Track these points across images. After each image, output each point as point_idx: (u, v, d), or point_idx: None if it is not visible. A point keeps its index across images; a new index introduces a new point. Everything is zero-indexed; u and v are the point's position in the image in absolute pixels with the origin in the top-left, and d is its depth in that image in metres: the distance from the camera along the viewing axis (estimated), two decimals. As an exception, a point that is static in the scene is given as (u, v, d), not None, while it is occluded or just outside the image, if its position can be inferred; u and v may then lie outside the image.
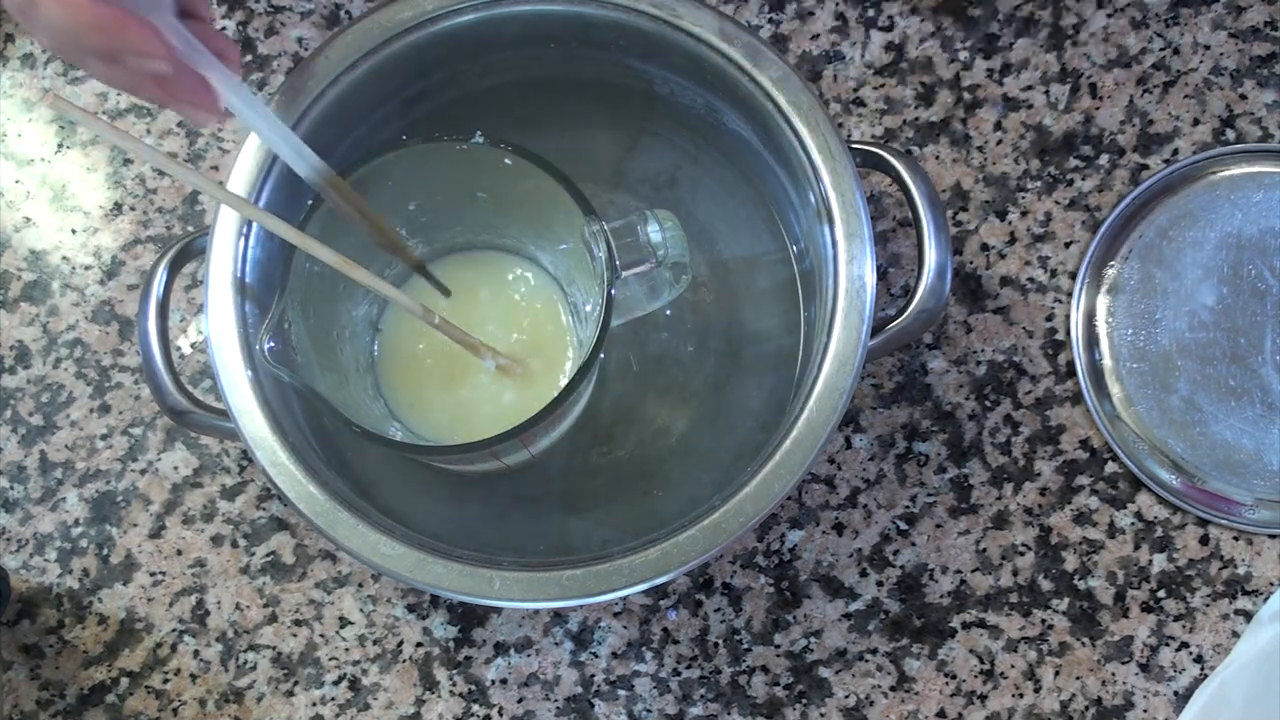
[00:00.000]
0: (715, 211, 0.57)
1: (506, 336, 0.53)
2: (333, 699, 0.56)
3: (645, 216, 0.47)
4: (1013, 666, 0.56)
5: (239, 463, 0.58)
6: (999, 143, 0.59)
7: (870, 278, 0.48)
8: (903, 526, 0.57)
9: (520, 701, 0.56)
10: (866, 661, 0.56)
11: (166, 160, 0.42)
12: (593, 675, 0.56)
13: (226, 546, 0.58)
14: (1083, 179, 0.59)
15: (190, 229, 0.60)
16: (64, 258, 0.60)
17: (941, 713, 0.56)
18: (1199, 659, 0.56)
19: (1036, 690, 0.56)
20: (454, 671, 0.56)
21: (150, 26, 0.35)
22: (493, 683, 0.56)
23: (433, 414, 0.53)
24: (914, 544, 0.57)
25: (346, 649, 0.57)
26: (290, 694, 0.57)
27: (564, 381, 0.52)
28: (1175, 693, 0.56)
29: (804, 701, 0.56)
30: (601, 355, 0.46)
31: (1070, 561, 0.57)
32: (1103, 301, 0.58)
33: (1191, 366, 0.57)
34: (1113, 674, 0.56)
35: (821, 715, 0.56)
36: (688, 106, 0.55)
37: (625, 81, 0.55)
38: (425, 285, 0.54)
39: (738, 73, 0.50)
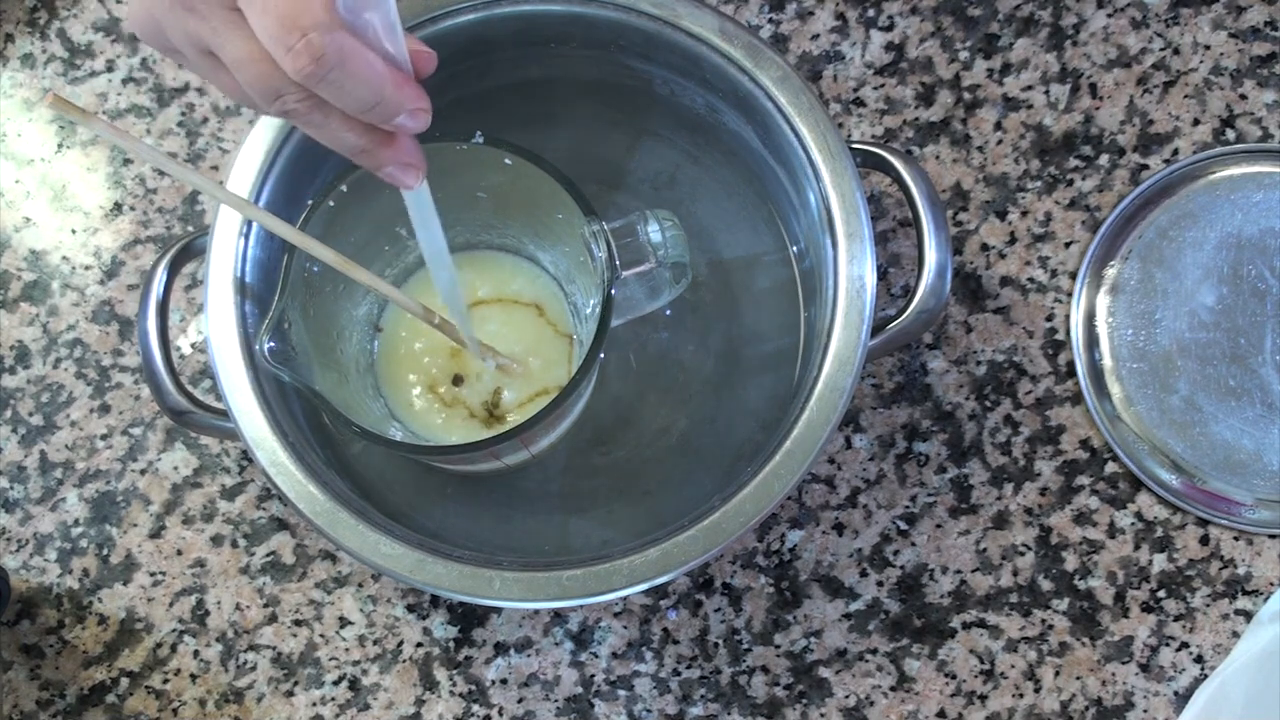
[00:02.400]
0: (715, 211, 0.57)
1: (506, 336, 0.53)
2: (333, 699, 0.56)
3: (645, 216, 0.47)
4: (1013, 666, 0.56)
5: (239, 463, 0.58)
6: (999, 143, 0.59)
7: (870, 278, 0.48)
8: (903, 526, 0.57)
9: (520, 701, 0.56)
10: (866, 661, 0.56)
11: (166, 160, 0.42)
12: (593, 675, 0.56)
13: (226, 546, 0.58)
14: (1083, 179, 0.59)
15: (190, 229, 0.60)
16: (64, 258, 0.60)
17: (941, 713, 0.56)
18: (1199, 659, 0.56)
19: (1036, 690, 0.56)
20: (454, 671, 0.56)
21: (419, 87, 0.36)
22: (493, 683, 0.56)
23: (432, 414, 0.53)
24: (914, 544, 0.57)
25: (346, 649, 0.57)
26: (290, 694, 0.57)
27: (564, 382, 0.52)
28: (1175, 693, 0.56)
29: (804, 701, 0.56)
30: (601, 355, 0.46)
31: (1070, 561, 0.57)
32: (1103, 301, 0.58)
33: (1191, 366, 0.57)
34: (1113, 674, 0.56)
35: (821, 715, 0.56)
36: (688, 106, 0.55)
37: (625, 81, 0.55)
38: (425, 285, 0.54)
39: (738, 73, 0.50)
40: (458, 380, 0.53)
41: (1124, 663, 0.56)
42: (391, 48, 0.35)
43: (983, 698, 0.56)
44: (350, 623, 0.57)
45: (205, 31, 0.35)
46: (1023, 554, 0.57)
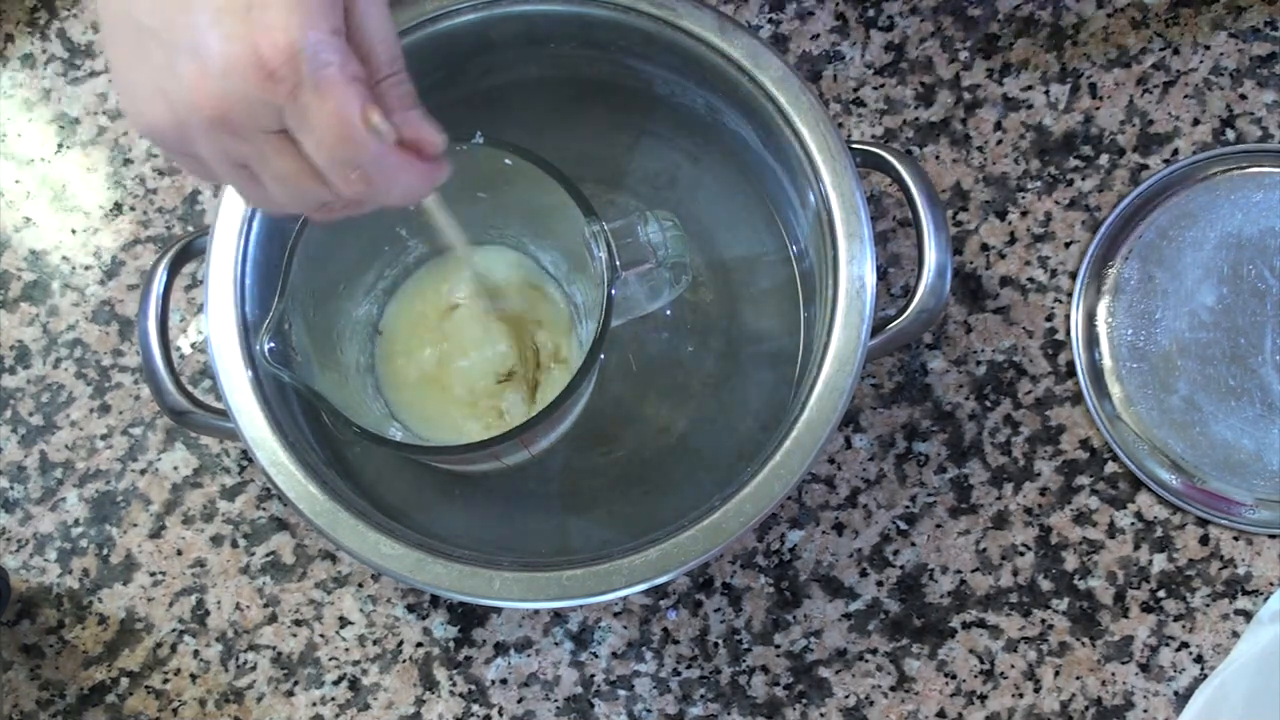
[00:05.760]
0: (715, 211, 0.57)
1: (507, 336, 0.53)
2: (333, 699, 0.56)
3: (645, 216, 0.47)
4: (1013, 666, 0.56)
5: (239, 463, 0.58)
6: (999, 143, 0.59)
7: (870, 278, 0.48)
8: (903, 526, 0.57)
9: (520, 701, 0.56)
10: (866, 661, 0.56)
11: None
12: (593, 675, 0.56)
13: (226, 546, 0.58)
14: (1083, 179, 0.59)
15: (190, 229, 0.60)
16: (64, 258, 0.60)
17: (941, 713, 0.56)
18: (1199, 659, 0.56)
19: (1036, 690, 0.56)
20: (454, 671, 0.56)
21: (439, 162, 0.39)
22: (493, 683, 0.56)
23: (432, 414, 0.53)
24: (914, 544, 0.57)
25: (346, 649, 0.57)
26: (290, 694, 0.57)
27: (564, 382, 0.52)
28: (1175, 693, 0.56)
29: (804, 701, 0.56)
30: (601, 356, 0.46)
31: (1070, 561, 0.57)
32: (1103, 301, 0.58)
33: (1191, 366, 0.57)
34: (1113, 674, 0.56)
35: (821, 715, 0.56)
36: (688, 106, 0.55)
37: (625, 81, 0.55)
38: (426, 285, 0.54)
39: (738, 73, 0.50)
40: (458, 380, 0.53)
41: (1124, 663, 0.56)
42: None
43: (983, 698, 0.56)
44: (350, 623, 0.57)
45: (248, 152, 0.36)
46: (1023, 554, 0.57)
